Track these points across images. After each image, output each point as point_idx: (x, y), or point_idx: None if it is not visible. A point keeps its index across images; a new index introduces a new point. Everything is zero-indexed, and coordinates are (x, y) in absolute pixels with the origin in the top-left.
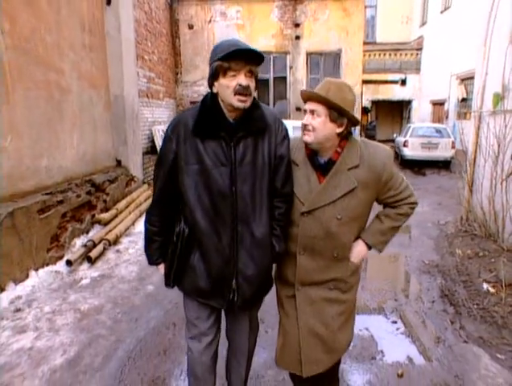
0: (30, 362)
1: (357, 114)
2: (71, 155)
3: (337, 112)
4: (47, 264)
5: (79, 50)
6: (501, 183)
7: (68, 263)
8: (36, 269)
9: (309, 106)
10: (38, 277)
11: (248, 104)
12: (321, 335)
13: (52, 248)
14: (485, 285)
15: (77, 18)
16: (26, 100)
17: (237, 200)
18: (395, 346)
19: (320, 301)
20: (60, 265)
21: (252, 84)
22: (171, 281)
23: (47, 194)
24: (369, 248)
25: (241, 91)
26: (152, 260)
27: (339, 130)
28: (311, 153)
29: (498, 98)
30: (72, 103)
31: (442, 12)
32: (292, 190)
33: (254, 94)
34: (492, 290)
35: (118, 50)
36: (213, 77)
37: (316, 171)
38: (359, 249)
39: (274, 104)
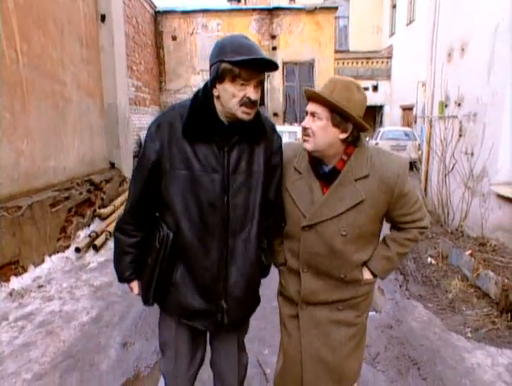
0: (62, 319)
1: None
2: (72, 157)
3: (340, 115)
4: (58, 252)
5: (78, 63)
6: (444, 178)
7: (77, 250)
8: (50, 255)
9: (310, 107)
10: (52, 262)
11: (252, 116)
12: (327, 362)
13: (61, 238)
14: (429, 259)
15: (76, 35)
16: (37, 109)
17: (228, 212)
18: None
19: (326, 323)
20: (69, 252)
21: (258, 95)
22: (150, 296)
23: (55, 191)
24: (374, 275)
25: (249, 104)
26: (124, 277)
27: (342, 136)
28: (315, 160)
29: (443, 106)
30: (73, 111)
31: (407, 25)
32: (282, 203)
33: None
34: (433, 262)
35: (111, 62)
36: (217, 79)
37: (320, 181)
38: (365, 279)
39: None
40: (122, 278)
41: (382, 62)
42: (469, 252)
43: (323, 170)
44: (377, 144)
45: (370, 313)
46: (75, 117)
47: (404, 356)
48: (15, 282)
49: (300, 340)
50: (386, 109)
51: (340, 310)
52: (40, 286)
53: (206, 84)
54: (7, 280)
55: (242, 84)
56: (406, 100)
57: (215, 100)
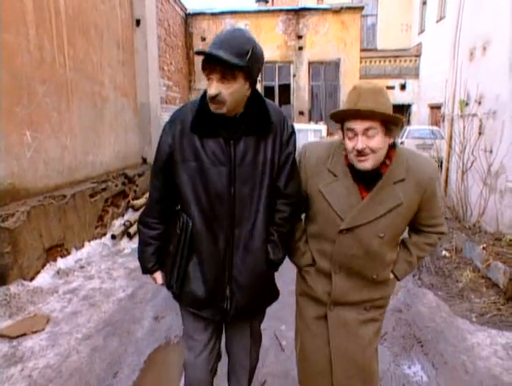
0: (102, 295)
1: None
2: (109, 153)
3: (393, 123)
4: (96, 238)
5: (115, 65)
6: (462, 175)
7: (113, 237)
8: (89, 241)
9: (360, 125)
10: (91, 247)
11: (223, 110)
12: (357, 361)
13: (98, 226)
14: (444, 252)
15: (114, 39)
16: (79, 108)
17: (234, 203)
18: None
19: (354, 323)
20: (106, 239)
21: (226, 91)
22: (174, 280)
23: (93, 182)
24: (396, 278)
25: (211, 100)
26: (147, 268)
27: (391, 141)
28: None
29: (463, 104)
30: (110, 110)
31: (437, 21)
32: (297, 191)
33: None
34: (448, 255)
35: (145, 63)
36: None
37: (358, 184)
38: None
39: None
40: (145, 269)
41: (410, 60)
42: (483, 245)
43: (363, 174)
44: (402, 143)
45: None
46: (111, 115)
47: (410, 335)
48: (61, 263)
49: (329, 341)
50: (414, 108)
51: (367, 309)
52: (82, 267)
53: None
54: (54, 260)
55: (209, 79)
56: (434, 98)
57: None
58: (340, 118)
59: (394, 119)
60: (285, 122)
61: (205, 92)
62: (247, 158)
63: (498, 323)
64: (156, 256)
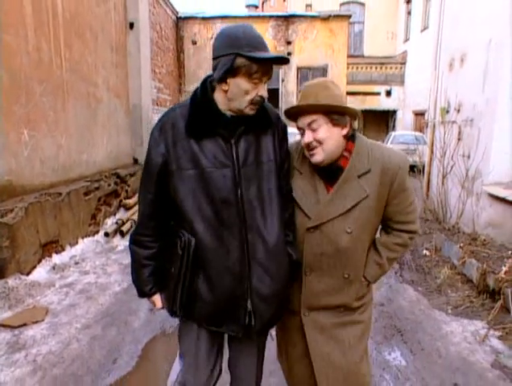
0: (98, 289)
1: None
2: (101, 152)
3: (337, 113)
4: (89, 235)
5: (108, 67)
6: (443, 179)
7: (106, 234)
8: (82, 238)
9: (303, 121)
10: (84, 244)
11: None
12: (341, 367)
13: (92, 224)
14: (424, 251)
15: (108, 41)
16: (74, 108)
17: (243, 206)
18: None
19: (331, 326)
20: (99, 237)
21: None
22: (177, 307)
23: (87, 181)
24: (366, 280)
25: (260, 103)
26: (145, 291)
27: (345, 132)
28: None
29: (444, 111)
30: (103, 110)
31: (422, 31)
32: (291, 189)
33: None
34: (428, 253)
35: (137, 66)
36: (230, 72)
37: (323, 180)
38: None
39: None
40: (142, 292)
41: (396, 67)
42: (460, 245)
43: (326, 169)
44: None
45: None
46: (104, 116)
47: (391, 326)
48: (56, 258)
49: (307, 348)
50: (399, 114)
51: (341, 312)
52: (77, 263)
53: (205, 79)
54: (50, 256)
55: (256, 83)
56: (418, 105)
57: (217, 93)
58: (293, 118)
59: (334, 108)
60: (280, 120)
61: (195, 92)
62: (250, 156)
63: (470, 313)
64: (153, 278)
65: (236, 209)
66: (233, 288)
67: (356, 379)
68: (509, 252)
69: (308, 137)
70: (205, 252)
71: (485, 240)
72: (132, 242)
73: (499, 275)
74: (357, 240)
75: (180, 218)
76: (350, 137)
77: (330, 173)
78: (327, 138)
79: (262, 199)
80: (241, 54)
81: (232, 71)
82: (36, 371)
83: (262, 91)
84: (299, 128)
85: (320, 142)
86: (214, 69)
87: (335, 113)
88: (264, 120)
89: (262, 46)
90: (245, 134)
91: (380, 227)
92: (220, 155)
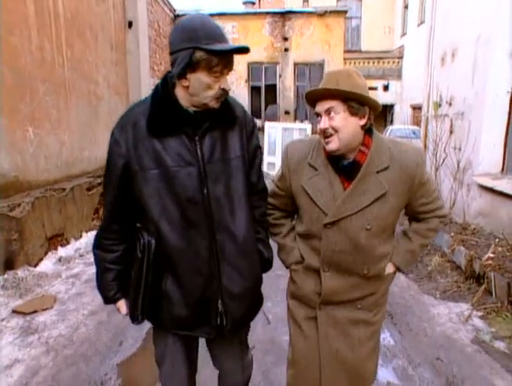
0: None
1: None
2: (102, 149)
3: (356, 101)
4: (92, 229)
5: (108, 65)
6: (436, 171)
7: None
8: (86, 232)
9: (321, 106)
10: (88, 237)
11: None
12: (345, 361)
13: (94, 218)
14: None
15: (108, 40)
16: (76, 106)
17: (210, 204)
18: None
19: (345, 322)
20: None
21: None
22: (138, 313)
23: (90, 177)
24: (398, 270)
25: (223, 96)
26: (109, 297)
27: (362, 122)
28: (333, 155)
29: (437, 105)
30: (104, 108)
31: (418, 25)
32: (265, 185)
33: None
34: None
35: (136, 63)
36: (189, 67)
37: (339, 175)
38: (387, 273)
39: (265, 108)
40: (107, 299)
41: (393, 62)
42: (451, 234)
43: (343, 165)
44: None
45: None
46: (105, 113)
47: None
48: (62, 251)
49: (318, 340)
50: (397, 108)
51: (359, 308)
52: (81, 255)
53: (166, 76)
54: (55, 248)
55: (218, 76)
56: (415, 99)
57: (177, 89)
58: (312, 103)
59: (352, 95)
60: (246, 115)
61: (157, 88)
62: (215, 153)
63: (457, 297)
64: (117, 282)
65: (202, 207)
66: (204, 288)
67: (358, 375)
68: (497, 239)
69: (324, 123)
70: (172, 253)
71: (474, 229)
72: (95, 246)
73: (484, 260)
74: (375, 237)
75: (145, 219)
76: (367, 131)
77: (347, 168)
78: (342, 127)
79: (230, 196)
80: (199, 47)
81: (191, 66)
82: (49, 351)
83: (225, 84)
84: (316, 113)
85: (335, 130)
86: (172, 65)
87: (354, 101)
88: (229, 115)
89: (220, 37)
90: (210, 131)
91: (407, 218)
92: (184, 153)
